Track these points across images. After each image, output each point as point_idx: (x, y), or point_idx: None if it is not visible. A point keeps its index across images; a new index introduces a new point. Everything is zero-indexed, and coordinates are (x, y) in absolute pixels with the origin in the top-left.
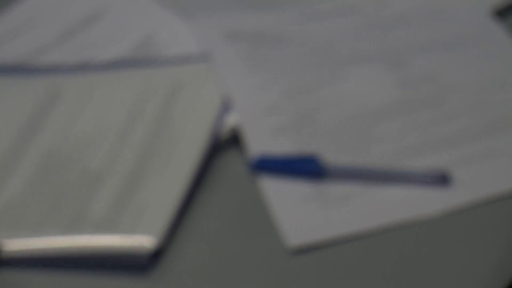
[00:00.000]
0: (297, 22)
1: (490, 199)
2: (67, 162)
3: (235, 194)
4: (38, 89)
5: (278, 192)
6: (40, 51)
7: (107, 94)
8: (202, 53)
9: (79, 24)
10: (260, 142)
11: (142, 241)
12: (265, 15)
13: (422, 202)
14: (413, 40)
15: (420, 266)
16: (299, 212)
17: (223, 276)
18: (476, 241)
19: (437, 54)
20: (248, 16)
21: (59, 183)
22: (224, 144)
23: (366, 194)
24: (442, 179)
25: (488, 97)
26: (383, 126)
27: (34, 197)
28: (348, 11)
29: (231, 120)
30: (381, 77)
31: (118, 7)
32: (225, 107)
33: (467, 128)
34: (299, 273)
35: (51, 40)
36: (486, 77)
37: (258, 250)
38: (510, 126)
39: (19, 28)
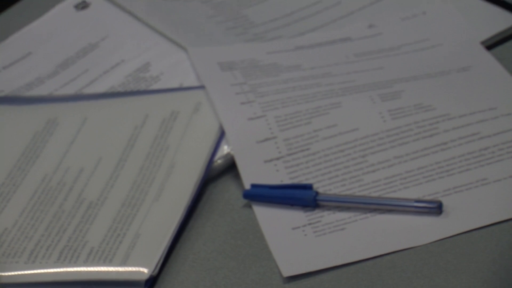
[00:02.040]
0: (290, 52)
1: (483, 226)
2: (63, 189)
3: (229, 220)
4: (35, 117)
5: (271, 221)
6: (38, 81)
7: (103, 122)
8: (197, 81)
9: (76, 53)
10: (253, 171)
11: (137, 271)
12: (259, 45)
13: (415, 232)
14: (405, 69)
15: None
16: (291, 242)
17: None
18: (468, 266)
19: (429, 84)
20: (242, 46)
21: (54, 211)
22: (218, 172)
23: (358, 224)
24: (435, 208)
25: (480, 126)
26: (376, 156)
27: (29, 225)
28: (341, 41)
29: (226, 148)
30: (373, 107)
31: (115, 37)
32: (220, 135)
33: (459, 157)
34: None
35: (48, 70)
36: (478, 106)
37: (252, 276)
38: (502, 155)
39: (17, 58)
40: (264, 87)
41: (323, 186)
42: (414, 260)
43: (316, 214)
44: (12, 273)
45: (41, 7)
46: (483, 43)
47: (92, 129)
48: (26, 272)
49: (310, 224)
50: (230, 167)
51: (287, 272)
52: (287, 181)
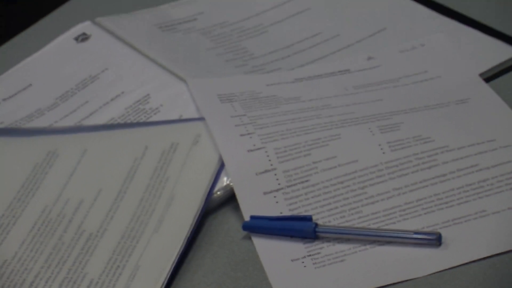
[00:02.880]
0: (289, 84)
1: (482, 258)
2: (63, 221)
3: (228, 252)
4: (35, 149)
5: (270, 253)
6: (38, 113)
7: (103, 154)
8: (197, 113)
9: (76, 85)
10: (253, 203)
11: None
12: (258, 77)
13: (415, 263)
14: (404, 101)
15: None
16: (291, 274)
17: None
18: None
19: (427, 116)
20: (242, 78)
21: (54, 242)
22: (218, 203)
23: (358, 255)
24: (434, 240)
25: (478, 158)
26: (375, 188)
27: (29, 257)
28: (340, 73)
29: (225, 180)
30: (372, 138)
31: (115, 68)
32: (219, 167)
33: (458, 189)
34: None
35: (48, 102)
36: (476, 138)
37: None
38: (501, 187)
39: (18, 90)
40: (263, 119)
41: (323, 218)
42: None
43: (316, 246)
44: None
45: (42, 39)
46: (481, 75)
47: (92, 161)
48: None
49: (309, 255)
50: (230, 198)
51: None
52: (286, 212)
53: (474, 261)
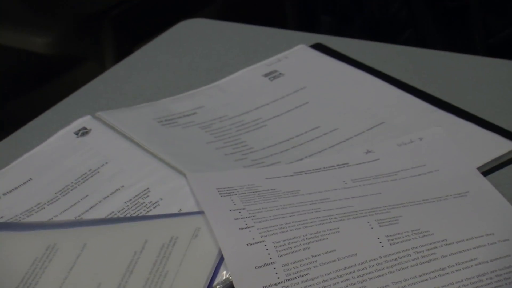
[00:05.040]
0: (288, 177)
1: None
2: None
3: None
4: (35, 243)
5: None
6: (38, 207)
7: (103, 248)
8: (196, 207)
9: (76, 180)
10: None
11: None
12: (257, 170)
13: None
14: (402, 195)
15: None
16: None
17: None
18: None
19: (426, 209)
20: (241, 172)
21: None
22: None
23: None
24: None
25: (477, 252)
26: (374, 281)
27: None
28: (339, 167)
29: (225, 274)
30: (371, 232)
31: (115, 163)
32: (219, 260)
33: (457, 283)
34: None
35: (49, 196)
36: (475, 231)
37: None
38: (500, 281)
39: (18, 184)
40: (262, 213)
41: None
42: None
43: None
44: None
45: (43, 133)
46: (479, 169)
47: (91, 255)
48: None
49: None
50: None
51: None
52: None
53: None
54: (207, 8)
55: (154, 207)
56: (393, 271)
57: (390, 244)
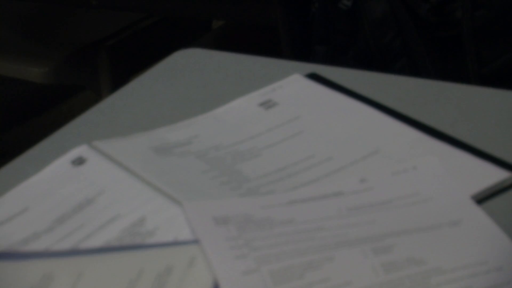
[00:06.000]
0: (284, 206)
1: None
2: None
3: None
4: (30, 272)
5: None
6: (34, 236)
7: (98, 277)
8: (192, 236)
9: (72, 209)
10: None
11: None
12: (253, 199)
13: None
14: (396, 223)
15: None
16: None
17: None
18: None
19: (420, 237)
20: (236, 201)
21: None
22: None
23: None
24: None
25: (471, 280)
26: None
27: None
28: (333, 195)
29: None
30: (366, 260)
31: (111, 192)
32: None
33: None
34: None
35: (45, 225)
36: (469, 260)
37: None
38: None
39: (14, 214)
40: (258, 241)
41: None
42: None
43: None
44: None
45: (39, 163)
46: (473, 197)
47: (87, 284)
48: None
49: None
50: None
51: None
52: None
53: None
54: (203, 37)
55: (150, 236)
56: None
57: (385, 272)
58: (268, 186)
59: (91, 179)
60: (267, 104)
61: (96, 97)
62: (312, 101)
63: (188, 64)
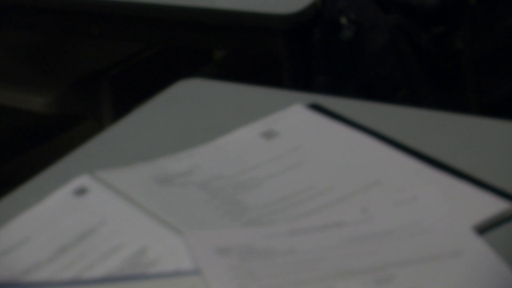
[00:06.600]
0: (285, 236)
1: None
2: None
3: None
4: None
5: None
6: (36, 266)
7: None
8: (194, 265)
9: (74, 238)
10: None
11: None
12: (254, 230)
13: None
14: (397, 254)
15: None
16: None
17: None
18: None
19: (421, 268)
20: (238, 231)
21: None
22: None
23: None
24: None
25: None
26: None
27: None
28: (335, 225)
29: None
30: None
31: (113, 222)
32: None
33: None
34: None
35: (47, 255)
36: None
37: None
38: None
39: (15, 243)
40: (260, 271)
41: None
42: None
43: None
44: None
45: (40, 193)
46: (474, 228)
47: None
48: None
49: None
50: None
51: None
52: None
53: None
54: (205, 67)
55: (152, 266)
56: None
57: None
58: (269, 216)
59: (93, 209)
60: (269, 135)
61: (98, 127)
62: (313, 131)
63: (190, 94)
